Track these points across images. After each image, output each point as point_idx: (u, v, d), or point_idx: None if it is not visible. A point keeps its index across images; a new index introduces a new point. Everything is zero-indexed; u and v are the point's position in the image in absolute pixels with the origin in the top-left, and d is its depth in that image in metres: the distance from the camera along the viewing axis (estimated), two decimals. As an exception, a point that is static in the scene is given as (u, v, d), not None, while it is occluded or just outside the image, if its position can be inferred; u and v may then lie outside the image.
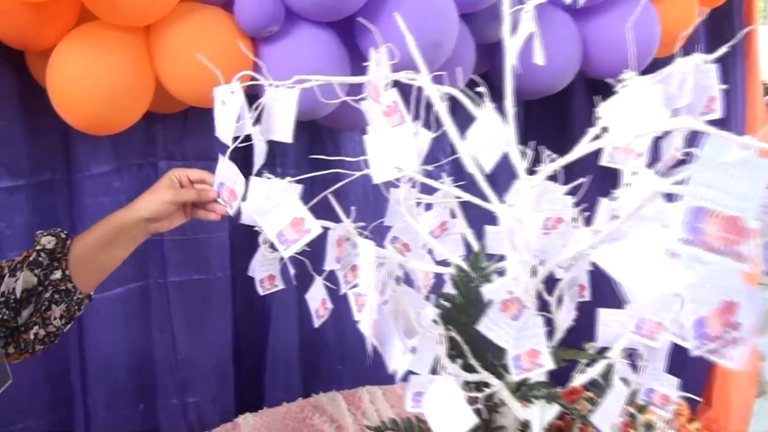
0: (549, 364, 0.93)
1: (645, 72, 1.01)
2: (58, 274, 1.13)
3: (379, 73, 1.01)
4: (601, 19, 1.84)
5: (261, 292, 1.27)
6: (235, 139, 1.04)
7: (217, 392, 1.92)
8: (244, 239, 1.90)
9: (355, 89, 1.09)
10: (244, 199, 1.04)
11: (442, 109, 1.04)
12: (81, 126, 1.45)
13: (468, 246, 1.27)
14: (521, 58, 0.96)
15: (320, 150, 1.66)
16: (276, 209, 0.97)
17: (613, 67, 1.67)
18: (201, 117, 1.74)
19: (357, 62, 1.56)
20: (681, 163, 1.03)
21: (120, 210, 1.15)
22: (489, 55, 1.82)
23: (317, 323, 1.21)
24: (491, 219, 1.05)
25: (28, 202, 1.68)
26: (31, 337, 1.12)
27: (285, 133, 1.02)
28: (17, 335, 1.12)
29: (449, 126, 1.04)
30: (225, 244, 1.85)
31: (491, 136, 1.04)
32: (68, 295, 1.14)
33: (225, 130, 1.05)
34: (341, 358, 2.04)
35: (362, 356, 2.00)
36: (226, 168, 1.10)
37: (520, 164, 1.01)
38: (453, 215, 1.31)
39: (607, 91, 1.00)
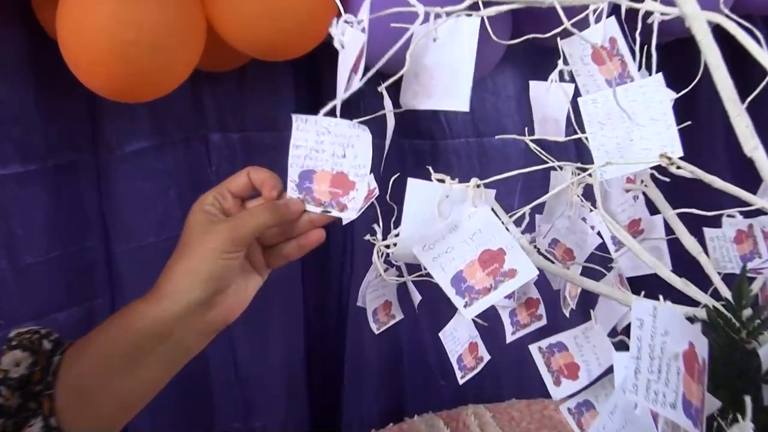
0: None
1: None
2: (36, 427, 0.57)
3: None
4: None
5: (375, 328, 0.83)
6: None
7: (288, 414, 1.50)
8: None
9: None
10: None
11: (713, 49, 0.56)
12: (105, 91, 0.98)
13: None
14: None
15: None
16: (453, 236, 0.51)
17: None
18: (262, 75, 1.31)
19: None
20: None
21: (143, 301, 0.61)
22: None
23: (462, 378, 0.77)
24: None
25: (46, 192, 1.23)
26: None
27: (458, 97, 0.54)
28: None
29: (725, 82, 0.56)
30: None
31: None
32: None
33: (340, 84, 0.58)
34: (443, 371, 1.59)
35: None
36: (314, 135, 0.62)
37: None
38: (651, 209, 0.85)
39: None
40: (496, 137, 1.00)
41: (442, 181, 0.52)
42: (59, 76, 1.07)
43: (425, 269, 0.57)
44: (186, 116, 1.33)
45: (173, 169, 1.33)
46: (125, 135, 1.27)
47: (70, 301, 1.26)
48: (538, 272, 0.53)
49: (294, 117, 0.61)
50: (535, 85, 0.76)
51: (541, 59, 0.74)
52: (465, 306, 0.51)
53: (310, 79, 1.37)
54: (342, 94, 0.56)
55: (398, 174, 0.68)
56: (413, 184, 0.53)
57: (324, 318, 1.56)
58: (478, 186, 0.52)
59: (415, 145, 1.48)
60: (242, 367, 1.45)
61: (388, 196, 0.68)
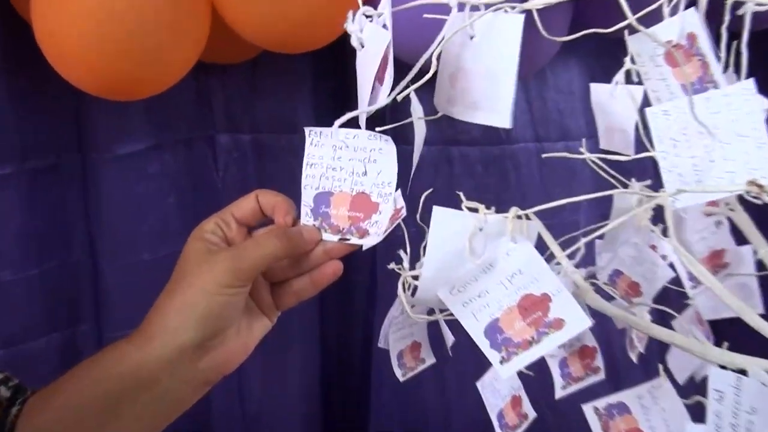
0: None
1: None
2: None
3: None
4: None
5: (401, 374, 0.82)
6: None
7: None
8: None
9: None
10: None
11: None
12: (90, 87, 0.98)
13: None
14: None
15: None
16: (488, 277, 0.49)
17: None
18: (277, 68, 1.32)
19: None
20: None
21: (126, 341, 0.59)
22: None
23: (504, 437, 0.75)
24: None
25: (24, 198, 1.23)
26: None
27: (497, 110, 0.52)
28: None
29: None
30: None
31: None
32: None
33: (361, 91, 0.57)
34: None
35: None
36: (330, 151, 0.61)
37: None
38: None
39: None
40: (545, 156, 0.96)
41: (475, 210, 0.49)
42: (39, 67, 1.07)
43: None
44: (189, 114, 1.33)
45: (174, 174, 1.33)
46: (118, 134, 1.27)
47: (49, 327, 1.26)
48: (591, 322, 0.51)
49: (307, 131, 0.60)
50: (597, 89, 0.73)
51: (613, 50, 0.71)
52: (501, 362, 0.49)
53: (332, 72, 1.36)
54: (365, 106, 0.54)
55: (431, 190, 0.66)
56: (439, 214, 0.50)
57: (345, 348, 1.54)
58: (519, 217, 0.49)
59: (464, 152, 1.45)
60: (249, 401, 1.45)
61: (418, 216, 0.66)
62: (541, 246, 0.57)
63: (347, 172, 0.61)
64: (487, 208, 0.53)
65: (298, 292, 0.65)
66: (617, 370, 0.78)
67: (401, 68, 0.57)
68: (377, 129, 0.62)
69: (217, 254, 0.60)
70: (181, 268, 0.60)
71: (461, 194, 0.51)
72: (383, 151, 0.60)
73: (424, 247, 0.61)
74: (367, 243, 0.62)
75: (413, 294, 0.66)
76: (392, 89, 0.53)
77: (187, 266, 0.60)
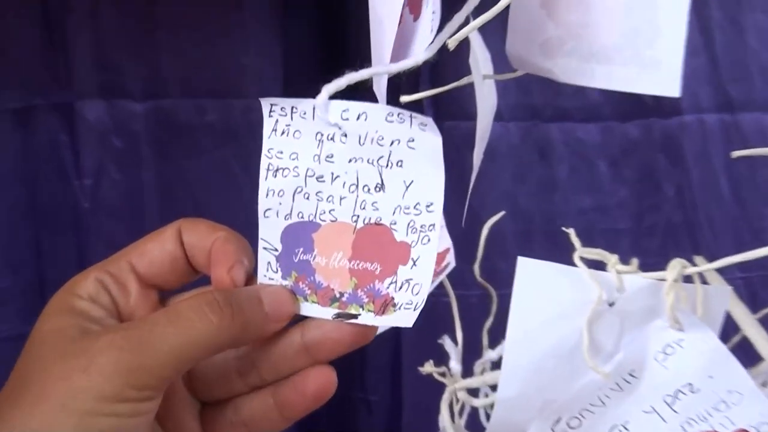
0: None
1: None
2: None
3: None
4: None
5: None
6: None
7: None
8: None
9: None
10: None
11: None
12: None
13: None
14: None
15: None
16: (626, 397, 0.51)
17: None
18: None
19: None
20: None
21: None
22: None
23: None
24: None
25: None
26: None
27: (656, 67, 0.54)
28: None
29: None
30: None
31: None
32: None
33: (379, 32, 0.58)
34: None
35: None
36: (311, 143, 0.62)
37: None
38: None
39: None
40: (736, 156, 0.95)
41: (599, 266, 0.50)
42: None
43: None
44: (27, 64, 1.37)
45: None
46: None
47: None
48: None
49: (265, 105, 0.60)
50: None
51: None
52: None
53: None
54: (385, 58, 0.55)
55: (503, 213, 0.67)
56: (528, 271, 0.51)
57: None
58: (688, 278, 0.50)
59: (575, 136, 1.46)
60: None
61: (477, 266, 0.67)
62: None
63: (346, 184, 0.62)
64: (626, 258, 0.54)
65: (251, 422, 0.67)
66: None
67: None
68: (406, 98, 0.63)
69: (98, 339, 0.60)
70: (31, 365, 0.61)
71: (572, 234, 0.52)
72: (418, 143, 0.60)
73: (492, 330, 0.62)
74: (394, 322, 0.62)
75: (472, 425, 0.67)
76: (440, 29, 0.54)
77: (41, 361, 0.60)
